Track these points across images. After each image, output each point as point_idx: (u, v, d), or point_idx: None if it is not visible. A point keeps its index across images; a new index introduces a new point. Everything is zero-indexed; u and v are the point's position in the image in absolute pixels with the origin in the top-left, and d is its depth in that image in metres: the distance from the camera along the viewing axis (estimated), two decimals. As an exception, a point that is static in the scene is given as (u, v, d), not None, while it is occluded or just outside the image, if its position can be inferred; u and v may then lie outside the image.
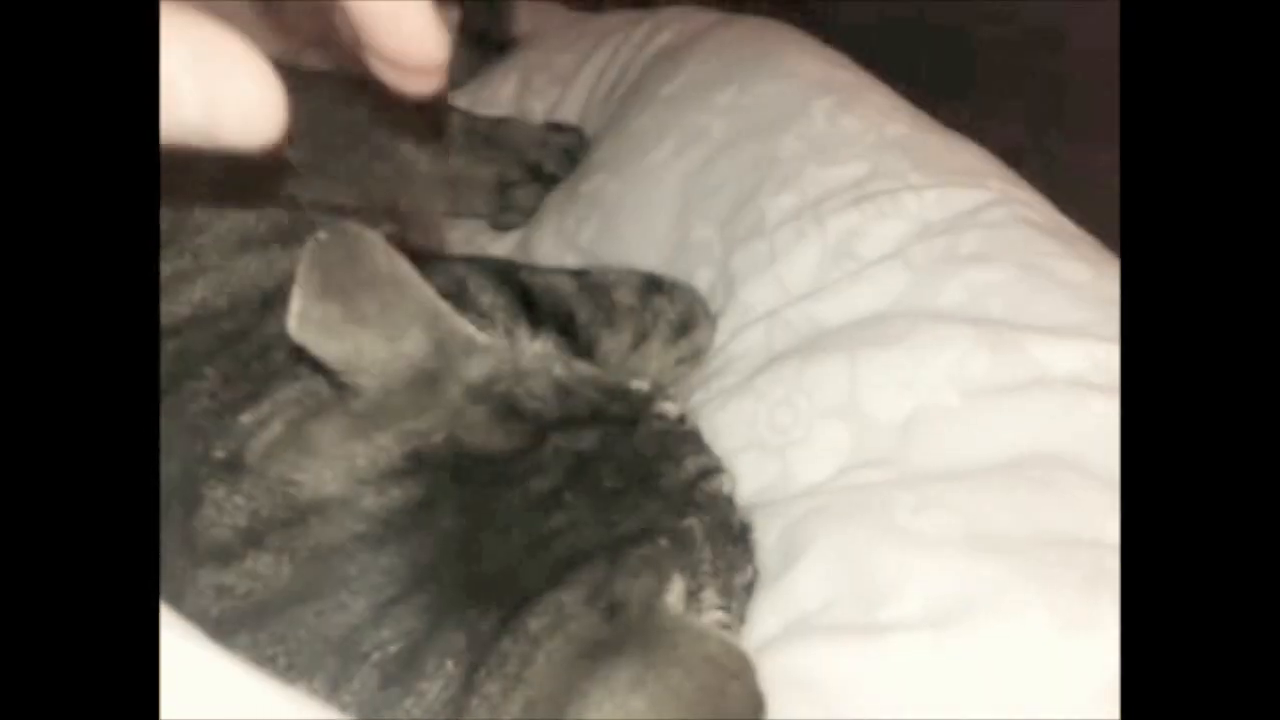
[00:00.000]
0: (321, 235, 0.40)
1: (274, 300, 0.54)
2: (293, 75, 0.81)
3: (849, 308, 0.53)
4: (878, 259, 0.53)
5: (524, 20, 1.03)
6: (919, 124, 0.62)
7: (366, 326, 0.40)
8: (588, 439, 0.42)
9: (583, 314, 0.62)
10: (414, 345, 0.41)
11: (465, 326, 0.43)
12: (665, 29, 0.83)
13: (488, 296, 0.60)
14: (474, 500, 0.38)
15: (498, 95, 0.94)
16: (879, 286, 0.52)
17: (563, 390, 0.43)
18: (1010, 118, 1.04)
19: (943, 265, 0.52)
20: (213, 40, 0.32)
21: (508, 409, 0.41)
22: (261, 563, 0.37)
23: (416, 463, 0.38)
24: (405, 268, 0.41)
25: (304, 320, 0.40)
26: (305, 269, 0.39)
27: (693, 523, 0.42)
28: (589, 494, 0.40)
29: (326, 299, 0.39)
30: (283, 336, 0.52)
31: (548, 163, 0.86)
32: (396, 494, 0.38)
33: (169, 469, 0.47)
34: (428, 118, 0.85)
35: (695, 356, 0.62)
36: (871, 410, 0.48)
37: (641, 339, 0.62)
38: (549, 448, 0.40)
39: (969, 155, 0.60)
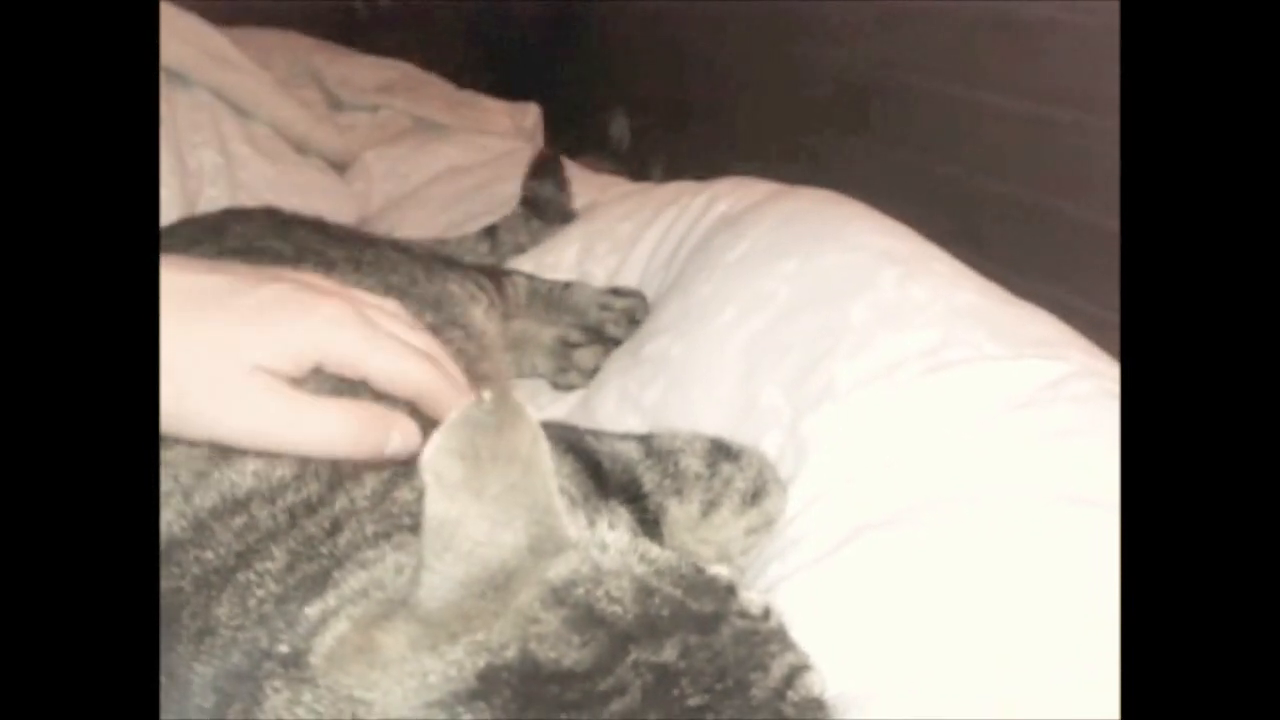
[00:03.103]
0: (487, 395, 0.36)
1: (343, 472, 0.49)
2: (379, 246, 0.78)
3: (936, 482, 0.46)
4: (961, 431, 0.47)
5: (588, 190, 1.01)
6: (987, 292, 0.57)
7: (479, 502, 0.35)
8: (669, 649, 0.35)
9: (649, 482, 0.57)
10: (512, 538, 0.35)
11: (565, 527, 0.37)
12: (723, 199, 0.80)
13: (552, 464, 0.55)
14: (549, 727, 0.32)
15: (561, 260, 0.92)
16: (964, 461, 0.46)
17: (643, 591, 0.37)
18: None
19: (1030, 440, 0.46)
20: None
21: (585, 614, 0.35)
22: None
23: (488, 683, 0.32)
24: (544, 457, 0.37)
25: (435, 459, 0.35)
26: (459, 416, 0.36)
27: (785, 742, 0.35)
28: (672, 714, 0.34)
29: (460, 457, 0.35)
30: (351, 514, 0.47)
31: (609, 325, 0.82)
32: (468, 719, 0.31)
33: (233, 658, 0.42)
34: (496, 282, 0.82)
35: (766, 526, 0.56)
36: (973, 597, 0.41)
37: (711, 508, 0.56)
38: (628, 662, 0.34)
39: (1043, 324, 0.55)
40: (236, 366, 0.44)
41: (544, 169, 0.99)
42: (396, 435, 0.47)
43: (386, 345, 0.47)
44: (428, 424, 0.49)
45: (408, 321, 0.52)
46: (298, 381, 0.46)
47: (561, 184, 0.98)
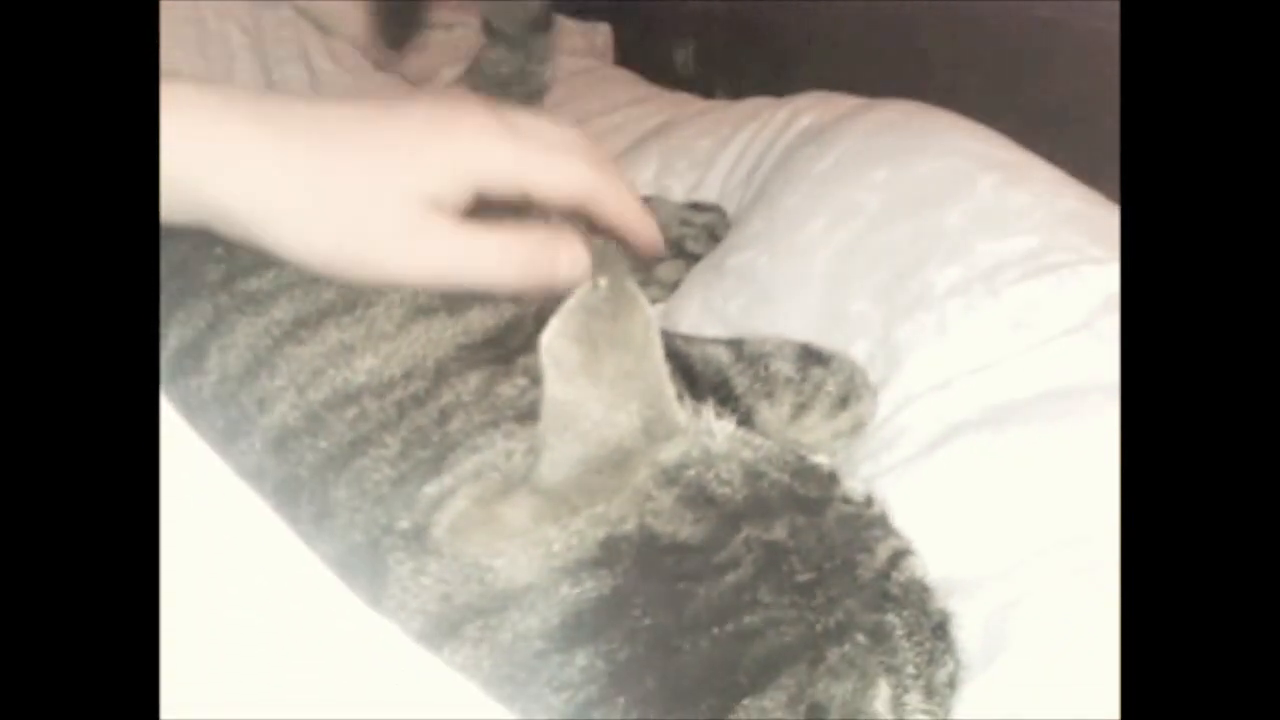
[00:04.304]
0: (603, 282, 0.37)
1: (448, 370, 0.50)
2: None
3: (1036, 380, 0.46)
4: (1063, 331, 0.47)
5: (664, 108, 1.00)
6: (1089, 198, 0.55)
7: (596, 385, 0.36)
8: (778, 528, 0.36)
9: (739, 384, 0.57)
10: (627, 420, 0.36)
11: (676, 412, 0.38)
12: (805, 114, 0.79)
13: None
14: (667, 595, 0.33)
15: (638, 177, 0.91)
16: (1068, 359, 0.46)
17: (752, 474, 0.38)
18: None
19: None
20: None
21: (697, 494, 0.36)
22: (461, 654, 0.32)
23: (609, 551, 0.34)
24: (656, 344, 0.38)
25: (553, 342, 0.36)
26: (575, 302, 0.36)
27: (891, 617, 0.36)
28: (783, 588, 0.34)
29: (577, 341, 0.36)
30: (458, 407, 0.48)
31: (690, 240, 0.82)
32: (591, 585, 0.33)
33: (353, 536, 0.44)
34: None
35: (855, 429, 0.56)
36: (1074, 487, 0.41)
37: (801, 410, 0.56)
38: (740, 538, 0.35)
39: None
40: (400, 201, 0.40)
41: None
42: (564, 260, 0.43)
43: (538, 151, 0.43)
44: (597, 232, 0.47)
45: (549, 119, 0.47)
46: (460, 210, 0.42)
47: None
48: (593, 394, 0.36)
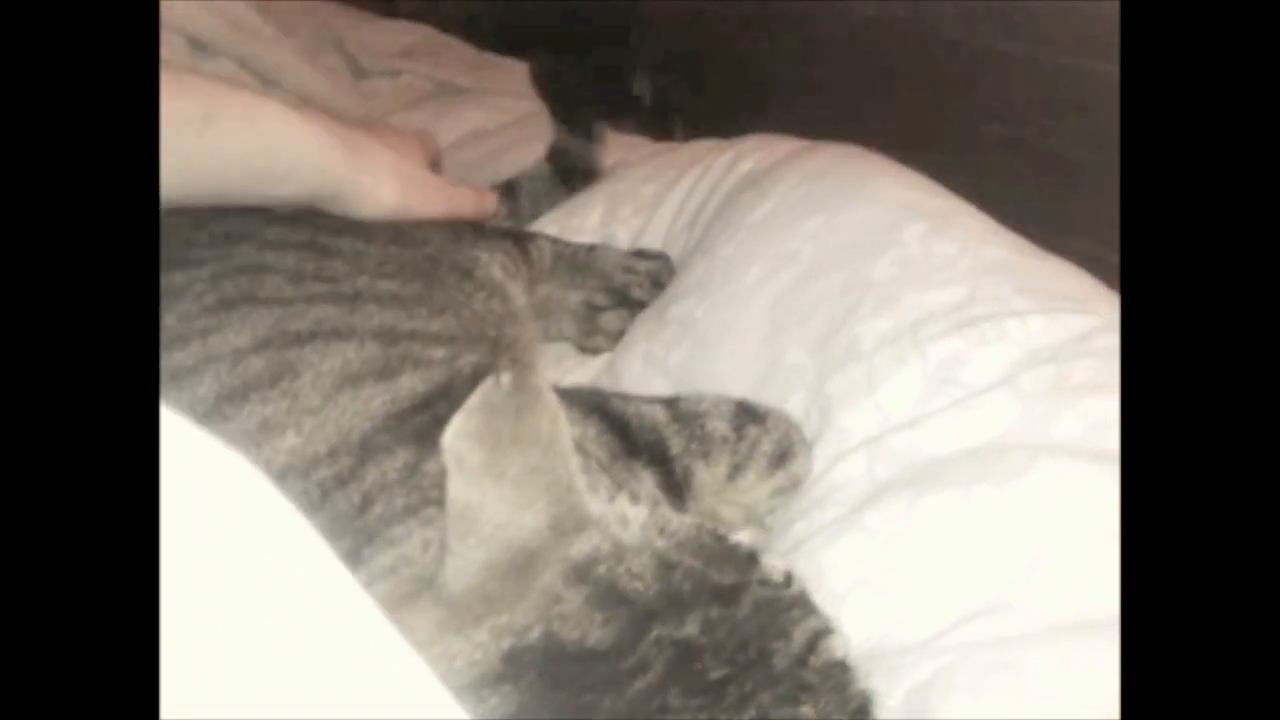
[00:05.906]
0: (505, 379, 0.36)
1: (375, 445, 0.49)
2: (410, 224, 0.77)
3: (957, 438, 0.46)
4: (984, 387, 0.47)
5: (612, 151, 1.00)
6: (1016, 247, 0.55)
7: (500, 485, 0.35)
8: (690, 624, 0.35)
9: (676, 445, 0.56)
10: (533, 519, 0.35)
11: (586, 504, 0.37)
12: (747, 158, 0.78)
13: (578, 429, 0.55)
14: (573, 707, 0.32)
15: (584, 224, 0.90)
16: (988, 416, 0.45)
17: (664, 566, 0.37)
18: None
19: (1055, 396, 0.44)
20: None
21: (607, 592, 0.35)
22: None
23: (513, 665, 0.32)
24: (564, 436, 0.37)
25: (454, 442, 0.35)
26: (478, 399, 0.36)
27: (806, 709, 0.35)
28: (694, 690, 0.34)
29: (479, 440, 0.35)
30: (382, 489, 0.47)
31: (634, 288, 0.81)
32: (495, 703, 0.32)
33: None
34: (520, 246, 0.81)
35: (793, 487, 0.55)
36: (990, 550, 0.41)
37: (737, 470, 0.55)
38: (650, 639, 0.34)
39: (1071, 279, 0.53)
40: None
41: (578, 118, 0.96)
42: (490, 200, 0.75)
43: (360, 176, 0.64)
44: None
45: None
46: None
47: (595, 137, 0.95)
48: (496, 495, 0.35)
